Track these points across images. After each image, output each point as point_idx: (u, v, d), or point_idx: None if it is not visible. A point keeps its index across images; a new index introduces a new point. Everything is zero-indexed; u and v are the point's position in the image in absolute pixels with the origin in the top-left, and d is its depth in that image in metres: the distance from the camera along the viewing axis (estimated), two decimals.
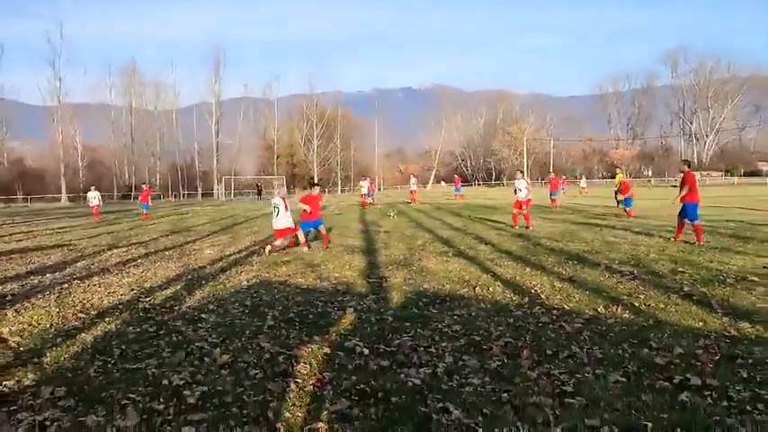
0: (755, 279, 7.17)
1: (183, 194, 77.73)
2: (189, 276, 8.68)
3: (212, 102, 78.04)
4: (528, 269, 8.57)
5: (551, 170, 36.96)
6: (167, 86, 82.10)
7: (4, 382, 4.03)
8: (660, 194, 35.71)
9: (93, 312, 6.31)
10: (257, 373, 4.16)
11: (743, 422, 3.16)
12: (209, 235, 15.83)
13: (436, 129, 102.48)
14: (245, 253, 11.31)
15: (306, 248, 11.21)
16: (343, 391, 3.77)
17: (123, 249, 12.54)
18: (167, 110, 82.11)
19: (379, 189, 71.06)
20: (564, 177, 53.17)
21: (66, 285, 8.01)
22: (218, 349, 4.74)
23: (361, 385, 3.85)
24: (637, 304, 6.11)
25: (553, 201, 25.79)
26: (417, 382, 3.92)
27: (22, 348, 4.93)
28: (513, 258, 9.70)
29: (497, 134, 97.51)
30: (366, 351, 4.63)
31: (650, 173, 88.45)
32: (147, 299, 7.00)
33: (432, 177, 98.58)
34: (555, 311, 5.90)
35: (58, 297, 7.17)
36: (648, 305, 6.06)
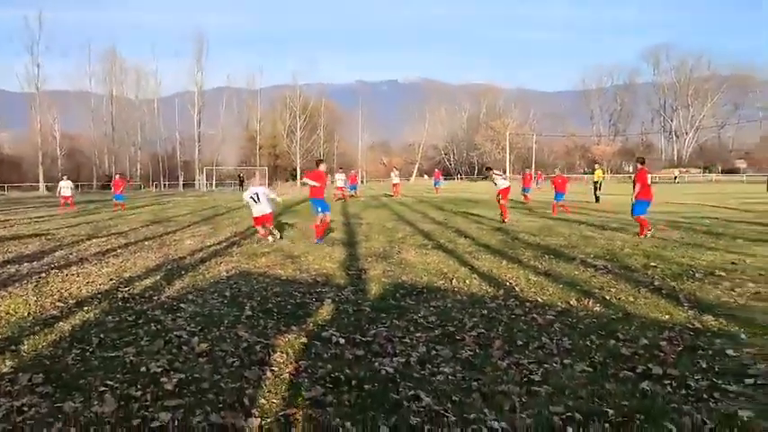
0: (723, 274, 7.38)
1: (165, 185, 77.08)
2: (168, 267, 8.71)
3: (194, 91, 77.34)
4: (505, 262, 8.73)
5: (526, 166, 37.12)
6: (149, 75, 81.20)
7: None
8: None
9: (71, 301, 6.33)
10: (234, 362, 4.24)
11: (698, 409, 3.31)
12: (189, 226, 15.81)
13: (420, 122, 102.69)
14: (225, 244, 11.35)
15: (320, 224, 11.60)
16: (318, 379, 3.87)
17: (102, 239, 12.50)
18: (149, 99, 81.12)
19: (362, 182, 71.16)
20: (539, 172, 53.37)
21: (43, 275, 8.00)
22: (196, 338, 4.81)
23: (336, 373, 3.95)
24: (608, 297, 6.28)
25: (526, 197, 25.60)
26: (390, 370, 4.02)
27: None
28: (491, 252, 9.85)
29: (481, 128, 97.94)
30: (342, 341, 4.73)
31: (631, 169, 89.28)
32: (127, 288, 7.03)
33: (415, 171, 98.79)
34: (528, 304, 6.04)
35: (35, 286, 7.17)
36: (619, 298, 6.23)
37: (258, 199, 11.52)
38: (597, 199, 25.27)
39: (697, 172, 78.84)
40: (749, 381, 3.74)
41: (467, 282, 7.28)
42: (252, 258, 9.38)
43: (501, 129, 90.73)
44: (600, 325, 5.16)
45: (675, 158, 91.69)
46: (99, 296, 6.60)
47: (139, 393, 3.60)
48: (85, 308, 6.00)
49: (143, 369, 4.05)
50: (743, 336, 4.73)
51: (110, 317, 5.61)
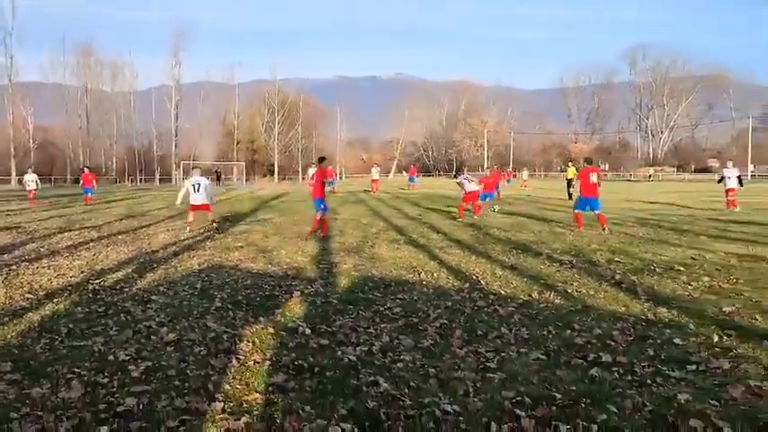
0: (681, 269, 7.65)
1: (141, 179, 76.24)
2: (141, 260, 8.75)
3: (171, 85, 76.56)
4: (474, 257, 8.93)
5: (494, 163, 37.06)
6: (125, 67, 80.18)
7: None
8: (615, 188, 36.75)
9: (41, 293, 6.37)
10: (201, 350, 4.35)
11: (641, 393, 3.50)
12: (164, 220, 15.80)
13: (399, 118, 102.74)
14: (199, 238, 11.39)
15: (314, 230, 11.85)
16: (282, 367, 4.00)
17: (75, 233, 12.46)
18: (125, 92, 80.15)
19: (340, 177, 71.13)
20: (508, 170, 53.58)
21: (14, 267, 8.01)
22: (164, 328, 4.91)
23: (300, 361, 4.08)
24: (570, 291, 6.49)
25: (498, 194, 25.47)
26: (353, 358, 4.16)
27: None
28: (462, 247, 10.05)
29: (459, 125, 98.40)
30: (308, 331, 4.86)
31: (607, 167, 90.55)
32: (98, 281, 7.08)
33: (393, 167, 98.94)
34: (492, 296, 6.23)
35: (5, 278, 7.19)
36: (580, 291, 6.44)
37: (198, 189, 12.50)
38: (570, 196, 25.61)
39: (671, 170, 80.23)
40: (691, 367, 3.95)
41: (435, 275, 7.45)
42: (225, 252, 9.46)
43: (479, 126, 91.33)
44: (558, 316, 5.36)
45: (651, 157, 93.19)
46: (69, 288, 6.64)
47: (106, 380, 3.70)
48: (55, 299, 6.05)
49: (111, 357, 4.14)
50: (691, 326, 4.95)
51: (79, 308, 5.68)
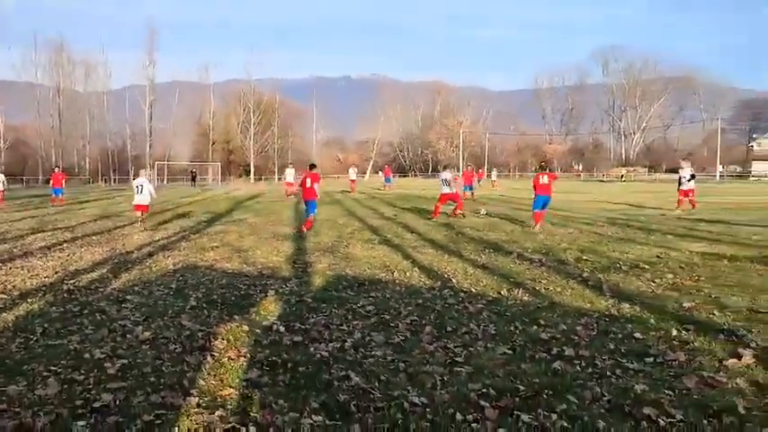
0: (646, 267, 7.91)
1: (114, 179, 75.20)
2: (116, 260, 8.76)
3: (145, 84, 75.68)
4: (446, 256, 9.11)
5: (467, 164, 37.32)
6: (98, 66, 78.93)
7: None
8: (588, 189, 37.34)
9: (15, 293, 6.38)
10: (176, 348, 4.43)
11: (600, 384, 3.69)
12: (138, 221, 15.67)
13: (375, 119, 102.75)
14: (174, 238, 11.40)
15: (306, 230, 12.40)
16: (256, 363, 4.10)
17: (48, 233, 12.37)
18: (98, 91, 78.95)
19: None
20: (480, 171, 53.99)
21: None
22: (140, 327, 4.98)
23: (274, 357, 4.19)
24: (538, 288, 6.70)
25: (472, 194, 25.59)
26: (325, 354, 4.29)
27: None
28: (435, 246, 10.22)
29: (435, 126, 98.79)
30: (282, 328, 4.97)
31: (580, 167, 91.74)
32: (72, 281, 7.09)
33: (370, 167, 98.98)
34: (462, 294, 6.40)
35: None
36: (548, 289, 6.65)
37: (141, 191, 13.41)
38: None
39: (644, 171, 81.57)
40: (649, 360, 4.15)
41: (407, 274, 7.61)
42: (200, 252, 9.50)
43: (454, 126, 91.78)
44: (525, 313, 5.54)
45: (624, 157, 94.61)
46: (44, 288, 6.66)
47: (82, 377, 3.77)
48: (30, 299, 6.06)
49: (87, 356, 4.21)
50: (652, 321, 5.17)
51: (54, 308, 5.71)
